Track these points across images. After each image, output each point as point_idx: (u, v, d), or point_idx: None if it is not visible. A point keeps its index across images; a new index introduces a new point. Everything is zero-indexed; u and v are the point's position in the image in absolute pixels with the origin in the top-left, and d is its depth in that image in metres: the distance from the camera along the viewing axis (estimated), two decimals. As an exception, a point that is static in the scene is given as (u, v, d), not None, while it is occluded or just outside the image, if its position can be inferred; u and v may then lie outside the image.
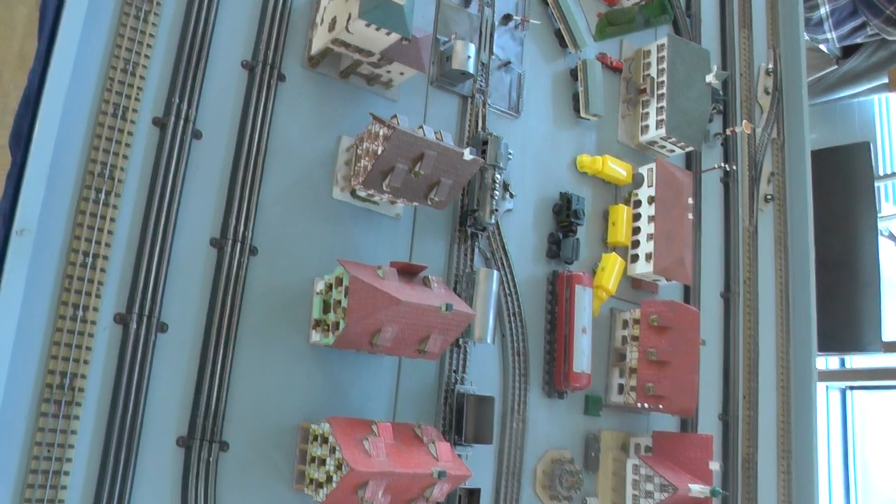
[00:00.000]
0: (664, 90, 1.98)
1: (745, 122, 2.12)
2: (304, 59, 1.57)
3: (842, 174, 2.87)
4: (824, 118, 3.95)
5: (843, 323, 2.79)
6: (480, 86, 1.78)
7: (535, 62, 1.92)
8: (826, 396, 3.78)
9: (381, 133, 1.45)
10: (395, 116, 1.48)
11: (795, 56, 2.48)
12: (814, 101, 3.74)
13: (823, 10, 3.45)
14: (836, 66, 3.77)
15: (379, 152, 1.43)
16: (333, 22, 1.49)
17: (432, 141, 1.44)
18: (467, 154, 1.46)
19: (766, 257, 2.31)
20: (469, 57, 1.69)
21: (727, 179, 2.23)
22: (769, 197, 2.31)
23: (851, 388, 3.99)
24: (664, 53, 2.01)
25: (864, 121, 4.00)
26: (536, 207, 1.84)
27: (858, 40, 3.59)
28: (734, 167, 2.18)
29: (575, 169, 1.92)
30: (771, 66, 2.45)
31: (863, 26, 3.48)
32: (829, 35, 3.54)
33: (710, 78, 1.97)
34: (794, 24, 2.50)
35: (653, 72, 2.03)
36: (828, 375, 3.79)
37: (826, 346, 2.67)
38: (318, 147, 1.56)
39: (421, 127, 1.48)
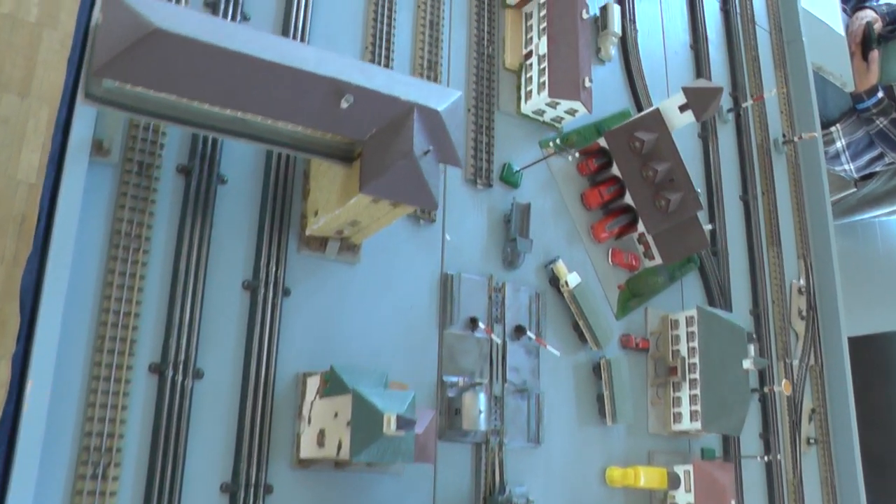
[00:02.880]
0: (697, 374, 1.77)
1: (784, 382, 1.92)
2: (293, 458, 1.35)
3: (879, 364, 2.66)
4: (846, 234, 3.75)
5: (893, 529, 2.59)
6: (495, 425, 1.56)
7: (554, 359, 1.70)
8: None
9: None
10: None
11: (828, 266, 2.27)
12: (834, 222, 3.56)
13: (840, 144, 3.25)
14: (854, 189, 3.57)
15: None
16: (322, 435, 1.28)
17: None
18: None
19: (814, 505, 2.11)
20: (480, 412, 1.48)
21: (767, 435, 2.02)
22: (812, 440, 2.10)
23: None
24: (694, 329, 1.80)
25: (887, 237, 3.80)
26: (566, 539, 1.64)
27: (877, 169, 3.40)
28: (778, 457, 1.97)
29: (604, 482, 1.71)
30: (803, 282, 2.24)
31: (880, 157, 3.29)
32: (846, 166, 3.34)
33: (747, 365, 1.76)
34: (823, 231, 2.30)
35: (682, 349, 1.81)
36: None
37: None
38: (317, 561, 1.35)
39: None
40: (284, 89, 1.18)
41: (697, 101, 1.78)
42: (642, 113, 1.86)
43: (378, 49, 1.66)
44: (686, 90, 1.78)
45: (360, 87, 1.24)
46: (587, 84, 1.78)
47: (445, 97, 1.35)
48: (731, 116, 2.27)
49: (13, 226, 2.47)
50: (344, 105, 1.22)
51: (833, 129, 3.22)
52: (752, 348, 1.78)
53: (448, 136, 1.33)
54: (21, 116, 2.50)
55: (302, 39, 1.56)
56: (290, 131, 1.25)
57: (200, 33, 1.12)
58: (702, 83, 1.81)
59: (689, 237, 1.84)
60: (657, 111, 1.82)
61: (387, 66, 1.66)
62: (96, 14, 1.09)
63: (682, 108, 1.79)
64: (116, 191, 1.30)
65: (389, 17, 1.70)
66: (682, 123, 1.81)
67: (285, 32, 1.55)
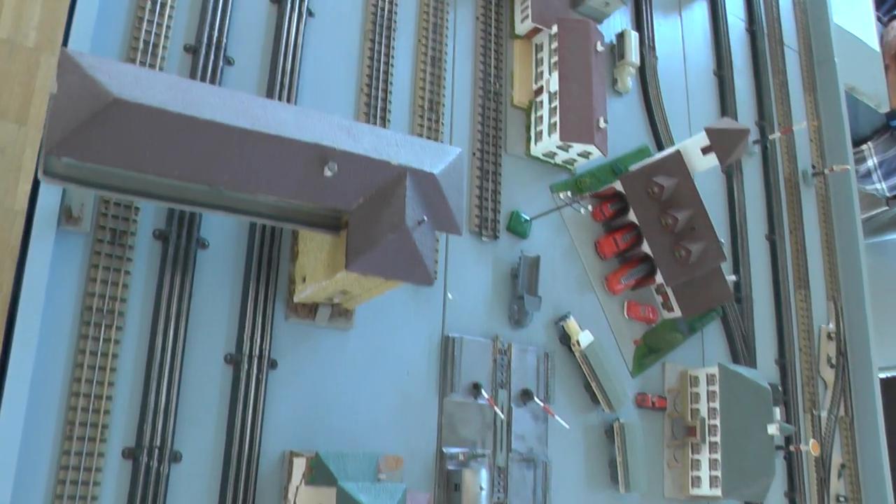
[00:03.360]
0: (717, 437, 1.65)
1: (812, 442, 1.79)
2: (278, 546, 1.26)
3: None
4: (875, 252, 3.58)
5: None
6: (498, 498, 1.46)
7: (563, 419, 1.59)
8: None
9: None
10: None
11: (860, 309, 2.13)
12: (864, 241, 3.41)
13: (871, 162, 3.09)
14: (886, 207, 3.41)
15: None
16: (309, 526, 1.19)
17: None
18: None
19: (843, 569, 1.98)
20: (482, 489, 1.38)
21: (793, 495, 1.89)
22: (842, 499, 1.97)
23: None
24: (715, 388, 1.68)
25: (920, 258, 3.63)
26: None
27: (910, 187, 3.24)
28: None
29: (617, 554, 1.61)
30: (832, 326, 2.10)
31: (915, 176, 3.13)
32: (878, 185, 3.19)
33: (772, 430, 1.64)
34: (855, 270, 2.16)
35: (703, 408, 1.69)
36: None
37: None
38: None
39: None
40: (262, 159, 1.08)
41: (722, 143, 1.65)
42: (661, 155, 1.73)
43: (374, 91, 1.55)
44: (709, 131, 1.65)
45: (346, 153, 1.13)
46: (602, 125, 1.66)
47: (442, 157, 1.24)
48: (756, 148, 2.13)
49: (10, 258, 2.39)
50: (328, 174, 1.12)
51: (864, 146, 3.07)
52: (777, 412, 1.65)
53: (445, 201, 1.22)
54: (18, 145, 2.41)
55: (291, 81, 1.46)
56: (270, 202, 1.15)
57: (166, 101, 1.02)
58: (726, 123, 1.68)
59: (712, 289, 1.71)
60: (678, 153, 1.69)
61: (384, 108, 1.55)
62: (52, 83, 1.00)
63: (705, 151, 1.67)
64: (88, 262, 1.21)
65: (387, 55, 1.60)
66: (704, 167, 1.69)
67: (273, 74, 1.44)
